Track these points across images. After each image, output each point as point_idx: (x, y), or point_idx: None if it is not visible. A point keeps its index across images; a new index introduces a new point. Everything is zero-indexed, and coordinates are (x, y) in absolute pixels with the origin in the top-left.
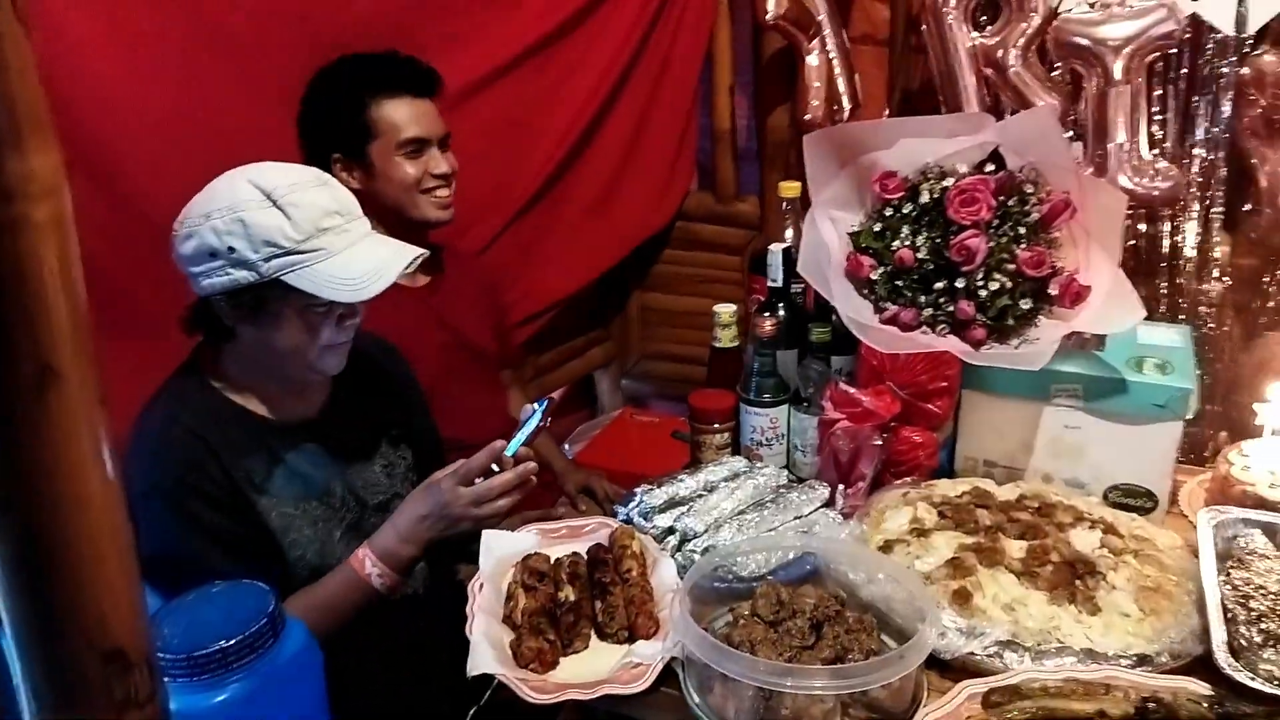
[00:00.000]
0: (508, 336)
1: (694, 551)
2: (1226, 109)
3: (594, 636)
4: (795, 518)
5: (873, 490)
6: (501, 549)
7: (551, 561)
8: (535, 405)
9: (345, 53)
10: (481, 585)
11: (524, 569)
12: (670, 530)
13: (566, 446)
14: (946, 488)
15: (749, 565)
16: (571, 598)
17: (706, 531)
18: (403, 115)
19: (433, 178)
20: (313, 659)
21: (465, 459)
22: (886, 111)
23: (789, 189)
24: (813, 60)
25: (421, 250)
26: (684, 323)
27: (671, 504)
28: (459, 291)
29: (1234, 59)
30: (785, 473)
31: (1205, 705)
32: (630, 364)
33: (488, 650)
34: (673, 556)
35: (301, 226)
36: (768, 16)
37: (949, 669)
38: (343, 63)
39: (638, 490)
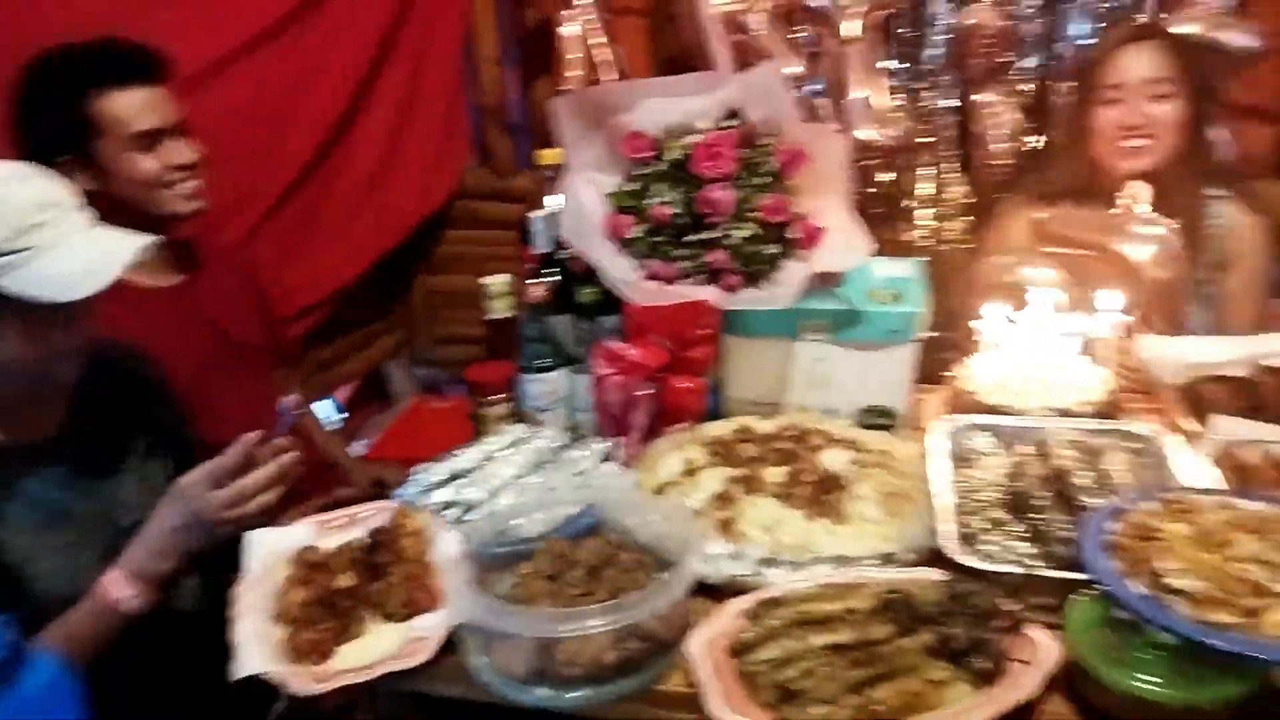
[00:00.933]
0: (280, 331)
1: (475, 520)
2: (951, 60)
3: (372, 623)
4: (574, 474)
5: (649, 438)
6: (269, 547)
7: (325, 551)
8: (290, 397)
9: (60, 42)
10: (247, 588)
11: (297, 563)
12: (451, 504)
13: (359, 442)
14: (715, 428)
15: (530, 526)
16: (347, 585)
17: (487, 500)
18: (129, 107)
19: (175, 169)
20: (64, 691)
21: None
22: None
23: (549, 156)
24: (568, 30)
25: (153, 237)
26: (473, 303)
27: (451, 478)
28: (219, 287)
29: (955, 12)
30: (565, 434)
31: (938, 589)
32: (422, 351)
33: (255, 650)
34: (456, 528)
35: (6, 226)
36: None
37: (721, 593)
38: (54, 54)
39: (415, 469)
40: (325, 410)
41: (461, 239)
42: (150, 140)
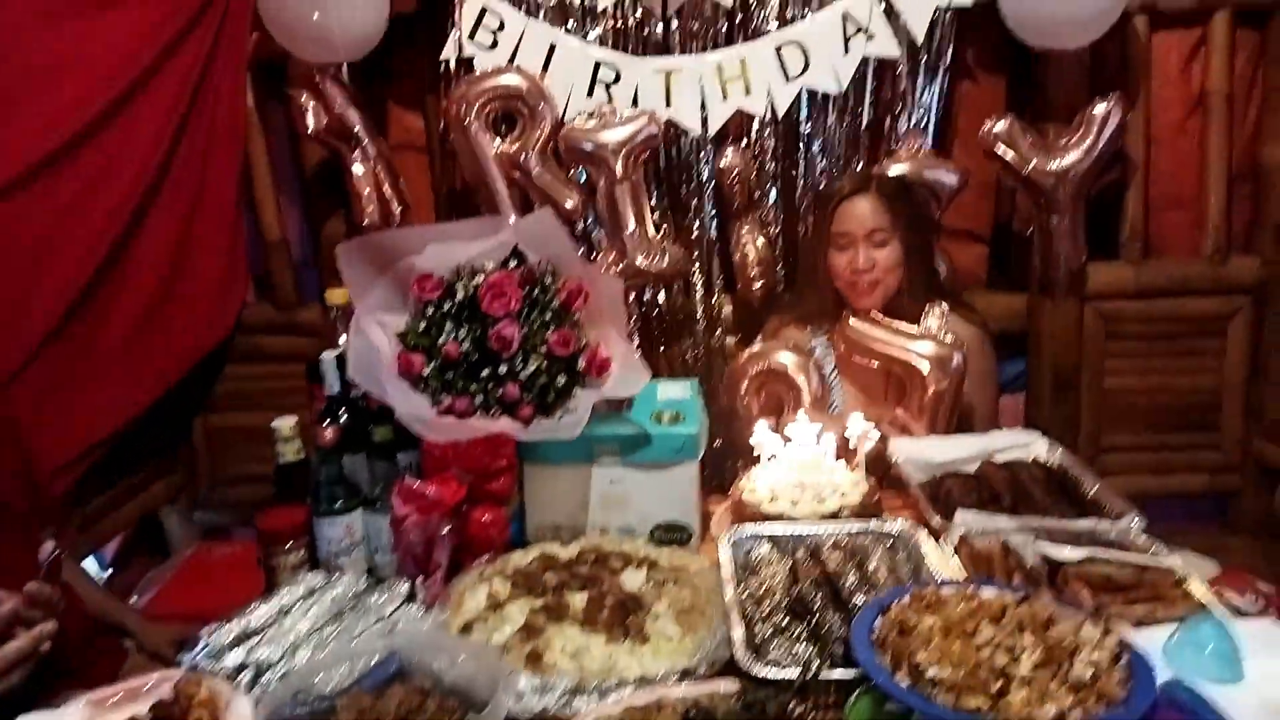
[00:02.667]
0: (40, 489)
1: (272, 682)
2: (709, 195)
3: None
4: (377, 620)
5: (453, 576)
6: None
7: None
8: (46, 544)
9: None
10: None
11: None
12: (242, 666)
13: (133, 599)
14: (518, 558)
15: (330, 681)
16: None
17: (283, 658)
18: None
19: None
20: None
21: None
22: (434, 212)
23: (336, 296)
24: (358, 169)
25: None
26: (260, 439)
27: (243, 637)
28: None
29: (708, 153)
30: (365, 577)
31: (734, 699)
32: (203, 494)
33: None
34: (248, 694)
35: None
36: (309, 130)
37: None
38: None
39: (203, 632)
40: (89, 567)
41: (246, 374)
42: None
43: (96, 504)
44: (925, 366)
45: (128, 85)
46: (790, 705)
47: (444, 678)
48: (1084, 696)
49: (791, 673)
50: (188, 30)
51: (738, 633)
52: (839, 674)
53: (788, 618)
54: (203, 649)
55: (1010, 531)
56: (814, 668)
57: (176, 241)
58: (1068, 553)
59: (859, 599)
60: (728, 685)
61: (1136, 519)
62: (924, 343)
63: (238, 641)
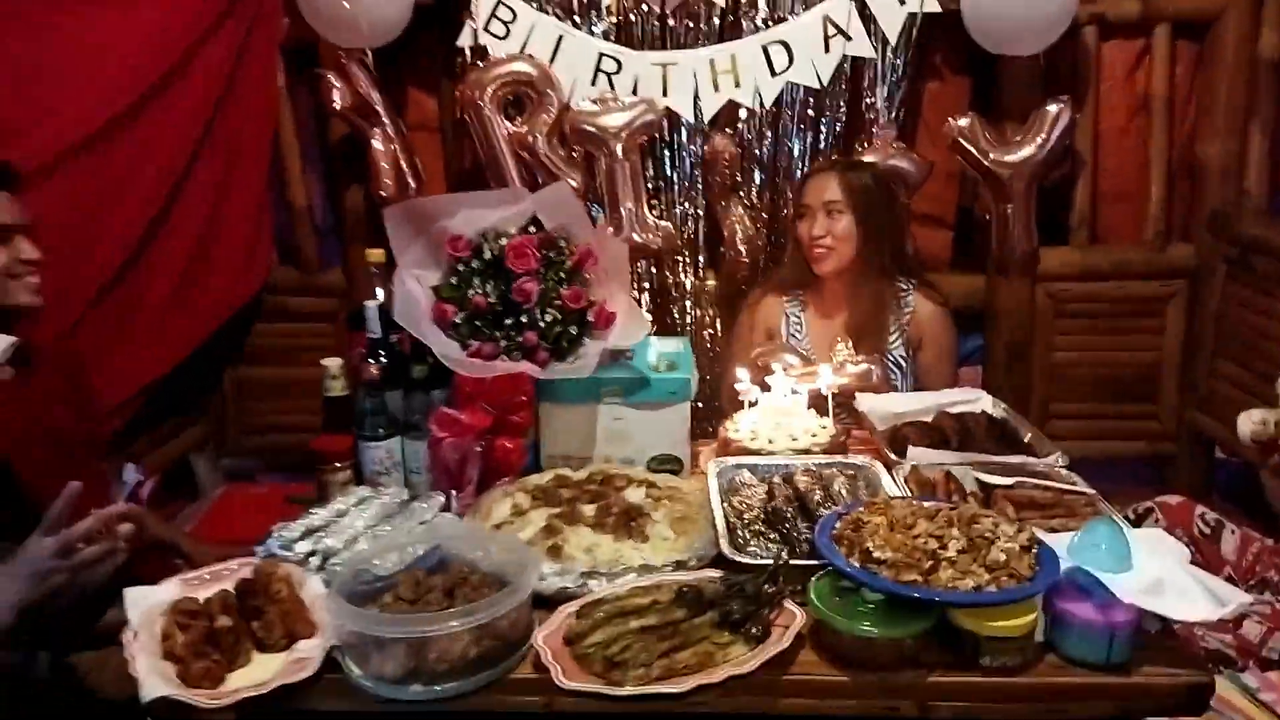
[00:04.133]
0: (102, 424)
1: (337, 566)
2: (699, 178)
3: (257, 654)
4: (420, 524)
5: (479, 492)
6: (146, 601)
7: (201, 601)
8: (130, 466)
9: None
10: (135, 634)
11: (175, 612)
12: (312, 553)
13: None
14: (536, 479)
15: (386, 565)
16: (229, 624)
17: (345, 547)
18: None
19: (21, 264)
20: None
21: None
22: (445, 187)
23: (374, 255)
24: (378, 144)
25: (11, 338)
26: (282, 393)
27: (309, 532)
28: (49, 383)
29: (700, 139)
30: (406, 490)
31: (718, 581)
32: (230, 441)
33: (157, 679)
34: (319, 573)
35: None
36: (335, 106)
37: (553, 602)
38: None
39: (273, 528)
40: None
41: (271, 332)
42: (2, 237)
43: (137, 447)
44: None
45: (170, 65)
46: (764, 585)
47: (479, 564)
48: (998, 575)
49: (766, 562)
50: (226, 14)
51: (723, 534)
52: (805, 562)
53: (764, 525)
54: (276, 540)
55: (953, 464)
56: (784, 557)
57: (211, 209)
58: (999, 479)
59: (824, 512)
60: (713, 573)
61: (1060, 455)
62: (842, 376)
63: (304, 535)
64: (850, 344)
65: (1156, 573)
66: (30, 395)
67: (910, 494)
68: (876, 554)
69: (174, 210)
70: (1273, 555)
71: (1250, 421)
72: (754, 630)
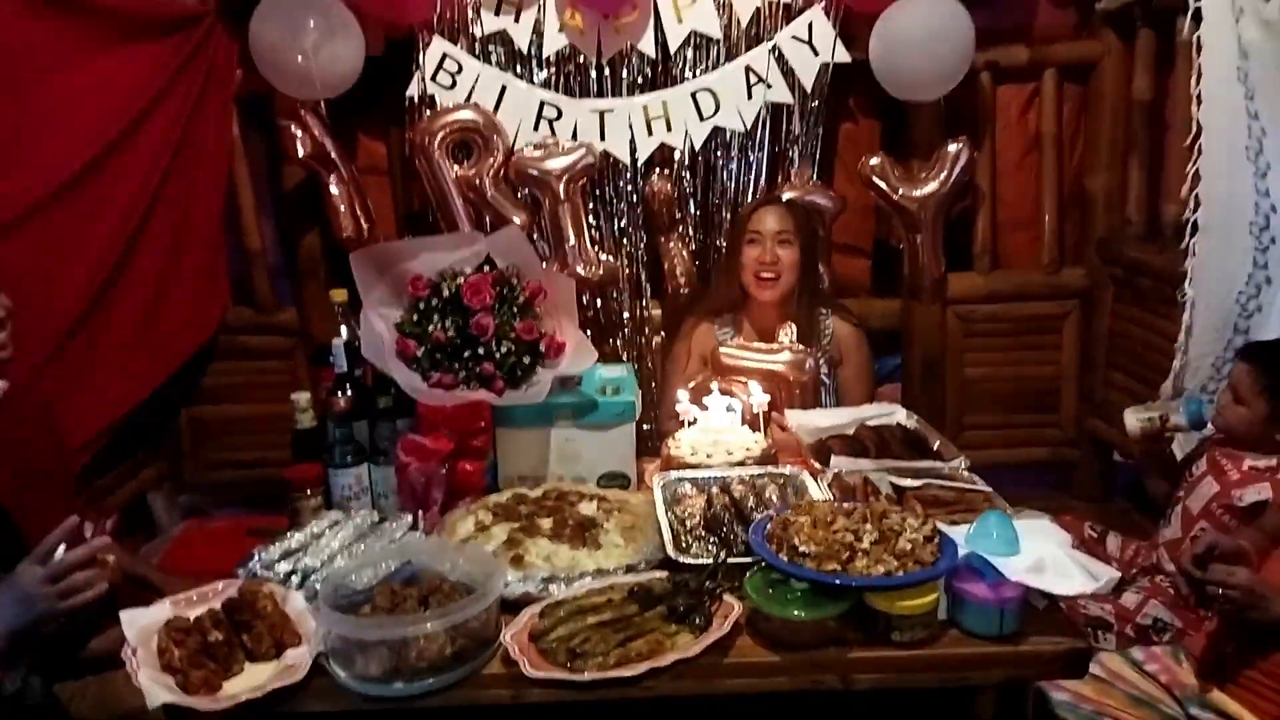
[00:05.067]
0: (70, 464)
1: (316, 583)
2: (639, 214)
3: (249, 663)
4: (390, 542)
5: (444, 512)
6: (142, 621)
7: (192, 619)
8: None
9: None
10: (135, 650)
11: (169, 630)
12: (292, 572)
13: None
14: (496, 497)
15: (363, 579)
16: (221, 637)
17: (323, 566)
18: None
19: None
20: None
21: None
22: (396, 227)
23: (338, 295)
24: (334, 189)
25: None
26: (239, 429)
27: (288, 553)
28: (18, 427)
29: (637, 180)
30: (375, 513)
31: (665, 580)
32: (189, 477)
33: (159, 688)
34: (298, 591)
35: None
36: (299, 154)
37: (517, 606)
38: None
39: (253, 551)
40: None
41: (228, 370)
42: None
43: (97, 485)
44: (786, 370)
45: (130, 120)
46: (706, 581)
47: (450, 575)
48: (905, 562)
49: (707, 561)
50: (182, 68)
51: (668, 540)
52: (741, 560)
53: (704, 530)
54: (256, 562)
55: (871, 470)
56: (723, 556)
57: (168, 255)
58: (909, 482)
59: (757, 516)
60: (660, 574)
61: (963, 459)
62: (783, 354)
63: (284, 557)
64: (794, 332)
65: (1040, 555)
66: (2, 434)
67: (833, 497)
68: (802, 548)
69: (133, 258)
70: (1149, 549)
71: (1136, 418)
72: (697, 621)
